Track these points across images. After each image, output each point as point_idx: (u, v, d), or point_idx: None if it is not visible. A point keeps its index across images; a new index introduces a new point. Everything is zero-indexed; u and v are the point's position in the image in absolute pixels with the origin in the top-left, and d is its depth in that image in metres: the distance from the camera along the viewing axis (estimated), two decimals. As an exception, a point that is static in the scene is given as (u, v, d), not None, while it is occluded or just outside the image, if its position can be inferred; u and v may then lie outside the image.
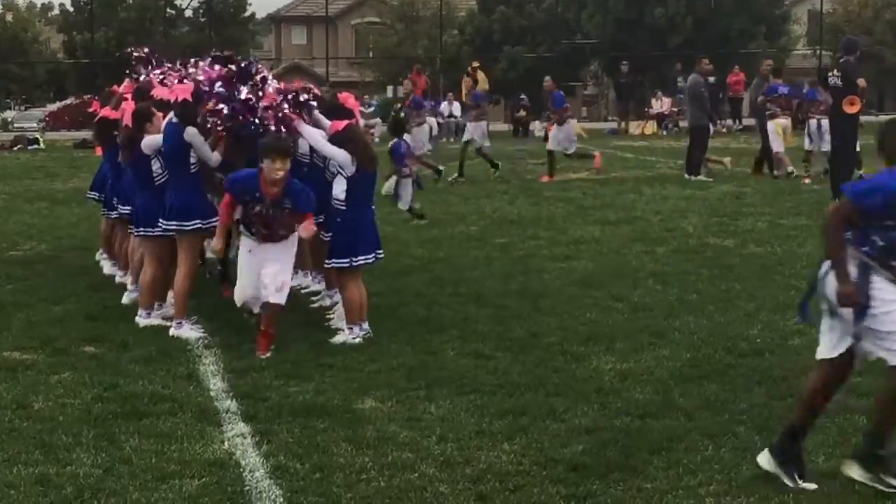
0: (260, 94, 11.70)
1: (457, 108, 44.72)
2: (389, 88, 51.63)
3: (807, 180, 24.65)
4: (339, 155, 11.25)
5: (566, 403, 8.98)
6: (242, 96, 11.63)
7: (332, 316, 12.10)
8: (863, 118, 21.70)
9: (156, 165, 11.96)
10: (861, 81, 20.74)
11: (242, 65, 12.20)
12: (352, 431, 8.39)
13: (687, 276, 14.19)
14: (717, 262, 15.12)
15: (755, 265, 14.87)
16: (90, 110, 14.61)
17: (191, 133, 11.54)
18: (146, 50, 14.81)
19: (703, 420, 8.51)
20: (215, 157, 11.68)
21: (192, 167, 11.59)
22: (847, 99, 20.79)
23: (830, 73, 21.89)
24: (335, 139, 11.53)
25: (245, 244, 10.98)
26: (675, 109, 44.68)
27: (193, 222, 11.57)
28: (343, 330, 11.29)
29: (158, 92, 12.56)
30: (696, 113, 26.81)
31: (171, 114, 11.88)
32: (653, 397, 9.17)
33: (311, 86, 13.06)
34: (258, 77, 11.93)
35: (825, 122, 24.01)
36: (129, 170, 12.67)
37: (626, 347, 10.76)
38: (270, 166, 10.51)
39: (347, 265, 11.25)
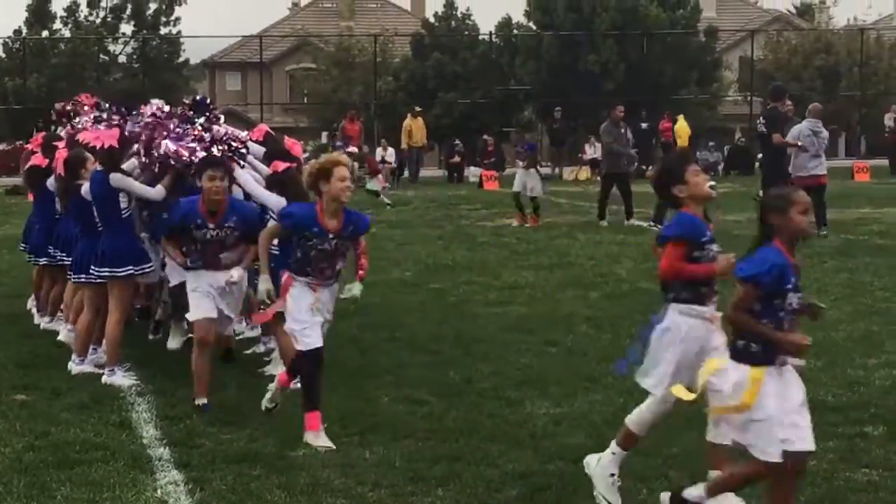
0: (213, 129, 11.78)
1: (390, 154, 44.85)
2: (324, 134, 51.61)
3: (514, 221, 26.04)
4: (272, 199, 11.28)
5: (500, 448, 9.01)
6: (196, 130, 11.69)
7: (268, 360, 12.09)
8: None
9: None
10: (776, 137, 21.02)
11: (198, 97, 12.33)
12: (285, 478, 8.37)
13: (620, 321, 14.26)
14: (650, 307, 15.17)
15: (687, 310, 14.94)
16: (30, 147, 14.59)
17: (116, 179, 11.49)
18: (86, 99, 14.83)
19: (636, 464, 8.54)
20: (158, 190, 11.63)
21: (122, 212, 11.55)
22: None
23: (758, 121, 22.21)
24: (273, 180, 11.58)
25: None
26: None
27: (126, 269, 11.51)
28: (280, 375, 11.28)
29: (84, 136, 12.49)
30: (608, 159, 27.25)
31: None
32: (586, 442, 9.20)
33: (268, 129, 13.30)
34: (212, 113, 12.04)
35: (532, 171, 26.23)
36: (69, 217, 12.63)
37: (560, 392, 10.81)
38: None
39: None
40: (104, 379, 11.47)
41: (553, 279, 17.75)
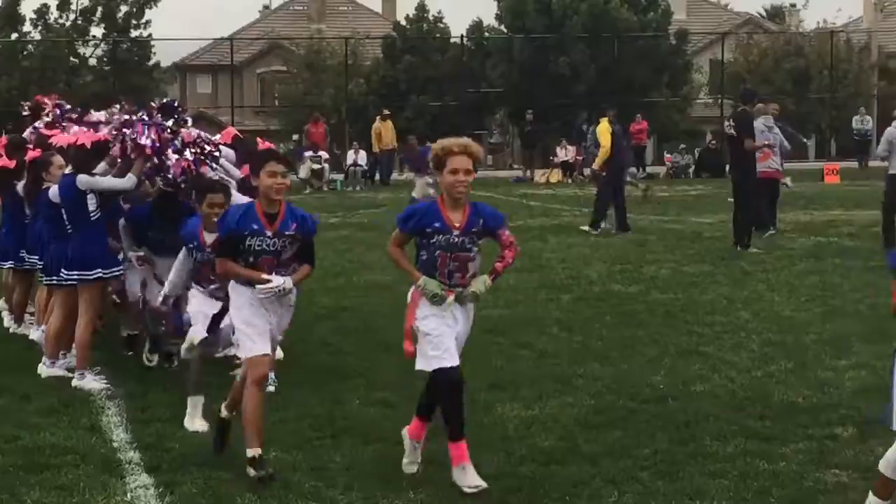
0: (181, 133, 11.73)
1: (362, 157, 44.77)
2: (295, 137, 51.51)
3: None
4: (244, 201, 11.24)
5: (471, 451, 8.97)
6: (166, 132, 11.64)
7: (240, 362, 12.05)
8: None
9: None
10: (748, 143, 21.09)
11: (164, 101, 12.28)
12: (256, 482, 8.33)
13: (591, 323, 14.28)
14: (620, 309, 15.24)
15: (658, 312, 15.01)
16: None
17: (83, 181, 11.44)
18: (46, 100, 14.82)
19: (607, 466, 8.57)
20: (129, 179, 11.56)
21: (91, 215, 11.49)
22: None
23: (727, 123, 22.28)
24: (245, 185, 11.55)
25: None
26: (579, 158, 45.00)
27: (94, 272, 11.48)
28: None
29: (58, 139, 12.45)
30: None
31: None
32: (557, 444, 9.22)
33: (236, 132, 13.27)
34: (180, 116, 11.99)
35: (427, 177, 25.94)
36: (36, 220, 12.60)
37: (531, 394, 10.81)
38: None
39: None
40: (74, 382, 11.43)
41: (524, 282, 17.75)
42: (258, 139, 13.81)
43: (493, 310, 15.40)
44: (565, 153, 47.36)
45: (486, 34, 57.31)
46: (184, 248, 10.89)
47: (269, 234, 8.54)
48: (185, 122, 12.06)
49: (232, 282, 8.76)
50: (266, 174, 8.55)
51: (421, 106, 53.38)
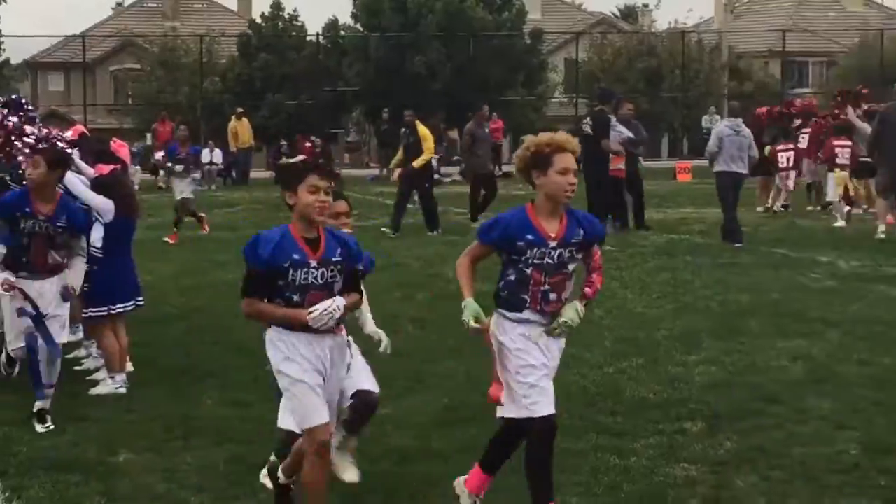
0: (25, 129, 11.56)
1: (217, 156, 44.46)
2: (148, 136, 50.94)
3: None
4: (97, 200, 11.11)
5: (325, 450, 8.96)
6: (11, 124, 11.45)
7: (90, 366, 11.91)
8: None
9: None
10: (605, 143, 21.37)
11: (13, 97, 12.09)
12: (106, 485, 8.23)
13: (446, 321, 14.26)
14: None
15: (513, 309, 15.08)
16: None
17: None
18: None
19: (460, 463, 8.56)
20: None
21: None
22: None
23: (583, 122, 22.53)
24: (97, 184, 11.40)
25: None
26: (439, 155, 45.10)
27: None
28: (105, 380, 11.11)
29: None
30: (473, 159, 27.01)
31: None
32: (411, 442, 9.23)
33: (84, 129, 13.06)
34: (26, 113, 11.81)
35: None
36: None
37: (385, 393, 10.71)
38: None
39: (105, 313, 11.10)
40: (-81, 387, 11.19)
41: (379, 280, 17.64)
42: (113, 139, 13.61)
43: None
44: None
45: (342, 32, 57.24)
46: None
47: (313, 263, 6.96)
48: (33, 119, 11.89)
49: (271, 331, 7.13)
50: (306, 190, 6.94)
51: (277, 104, 53.15)
